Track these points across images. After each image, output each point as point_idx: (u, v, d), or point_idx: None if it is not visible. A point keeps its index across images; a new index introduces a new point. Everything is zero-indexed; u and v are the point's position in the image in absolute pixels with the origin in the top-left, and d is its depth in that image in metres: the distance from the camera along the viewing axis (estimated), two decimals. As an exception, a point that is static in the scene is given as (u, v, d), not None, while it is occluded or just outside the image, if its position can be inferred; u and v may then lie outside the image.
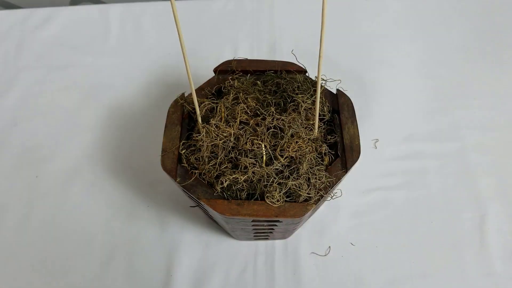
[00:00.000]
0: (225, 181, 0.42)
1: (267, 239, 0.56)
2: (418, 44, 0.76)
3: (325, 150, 0.46)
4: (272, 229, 0.48)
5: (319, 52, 0.39)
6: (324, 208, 0.58)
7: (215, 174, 0.44)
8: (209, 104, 0.49)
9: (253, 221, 0.43)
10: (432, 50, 0.75)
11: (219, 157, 0.45)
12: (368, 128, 0.66)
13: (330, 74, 0.56)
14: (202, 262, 0.56)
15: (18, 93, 0.72)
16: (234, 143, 0.45)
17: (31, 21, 0.81)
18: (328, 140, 0.48)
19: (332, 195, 0.46)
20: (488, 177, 0.61)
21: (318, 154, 0.46)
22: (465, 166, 0.62)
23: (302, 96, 0.48)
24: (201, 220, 0.59)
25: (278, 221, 0.43)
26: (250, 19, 0.80)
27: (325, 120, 0.49)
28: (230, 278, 0.54)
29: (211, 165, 0.44)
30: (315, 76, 0.46)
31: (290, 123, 0.46)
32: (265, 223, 0.45)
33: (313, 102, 0.48)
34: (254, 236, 0.53)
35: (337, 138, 0.48)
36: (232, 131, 0.46)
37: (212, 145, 0.45)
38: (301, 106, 0.47)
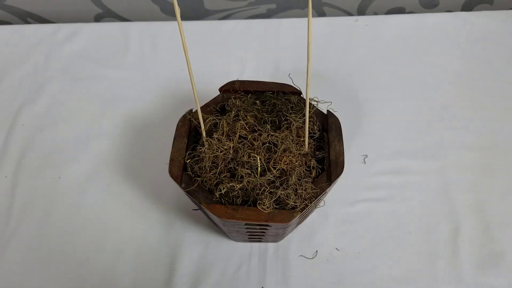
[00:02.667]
0: (223, 189, 0.48)
1: (260, 241, 0.61)
2: (410, 68, 0.81)
3: (313, 164, 0.52)
4: (264, 232, 0.54)
5: (306, 85, 0.46)
6: (314, 215, 0.64)
7: (215, 182, 0.50)
8: (213, 120, 0.55)
9: (246, 224, 0.50)
10: (422, 74, 0.80)
11: (219, 167, 0.51)
12: (359, 144, 0.71)
13: (326, 93, 0.62)
14: (202, 260, 0.61)
15: (45, 101, 0.78)
16: (233, 155, 0.52)
17: (59, 35, 0.88)
18: (317, 155, 0.54)
19: (316, 204, 0.52)
20: (465, 194, 0.65)
21: (307, 168, 0.52)
22: (445, 183, 0.66)
23: (295, 116, 0.55)
24: (203, 222, 0.64)
25: (268, 225, 0.50)
26: (257, 41, 0.86)
27: (315, 137, 0.55)
28: (226, 274, 0.60)
29: (212, 174, 0.51)
30: (309, 98, 0.53)
31: (283, 139, 0.53)
32: (257, 227, 0.52)
33: (304, 122, 0.54)
34: (249, 238, 0.59)
35: (325, 154, 0.54)
36: (232, 145, 0.52)
37: (213, 156, 0.51)
38: (293, 125, 0.54)
